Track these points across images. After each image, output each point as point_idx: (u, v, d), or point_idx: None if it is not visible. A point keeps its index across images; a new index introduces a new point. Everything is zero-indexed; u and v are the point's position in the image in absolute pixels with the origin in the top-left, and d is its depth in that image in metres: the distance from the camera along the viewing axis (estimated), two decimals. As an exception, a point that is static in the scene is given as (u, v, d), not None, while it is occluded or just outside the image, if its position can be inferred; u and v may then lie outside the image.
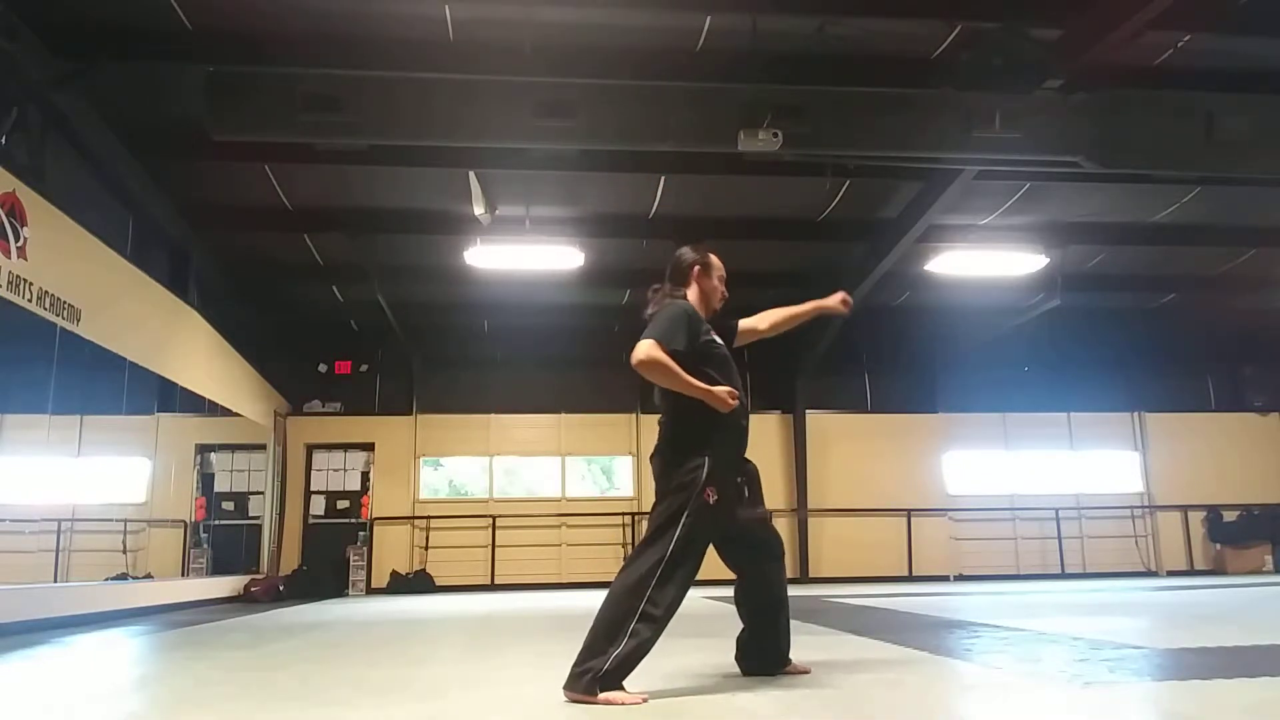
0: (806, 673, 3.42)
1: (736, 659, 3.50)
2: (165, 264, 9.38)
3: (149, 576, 11.64)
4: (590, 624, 3.07)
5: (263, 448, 12.69)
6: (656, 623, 3.05)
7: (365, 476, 13.41)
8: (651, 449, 3.36)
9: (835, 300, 3.81)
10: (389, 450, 13.42)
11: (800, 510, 13.37)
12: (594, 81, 6.66)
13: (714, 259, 3.61)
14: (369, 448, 13.45)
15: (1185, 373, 14.67)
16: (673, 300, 3.43)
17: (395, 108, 6.51)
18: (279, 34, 6.54)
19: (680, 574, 3.10)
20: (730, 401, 3.21)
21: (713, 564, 3.20)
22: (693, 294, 3.52)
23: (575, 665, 3.01)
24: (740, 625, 3.50)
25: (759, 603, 3.44)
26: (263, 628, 6.70)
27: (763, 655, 3.46)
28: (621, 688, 2.96)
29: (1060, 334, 13.42)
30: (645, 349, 3.17)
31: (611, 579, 3.18)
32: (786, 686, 3.18)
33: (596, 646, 3.00)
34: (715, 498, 3.15)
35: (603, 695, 2.92)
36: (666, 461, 3.26)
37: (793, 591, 3.62)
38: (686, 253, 3.59)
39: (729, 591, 3.52)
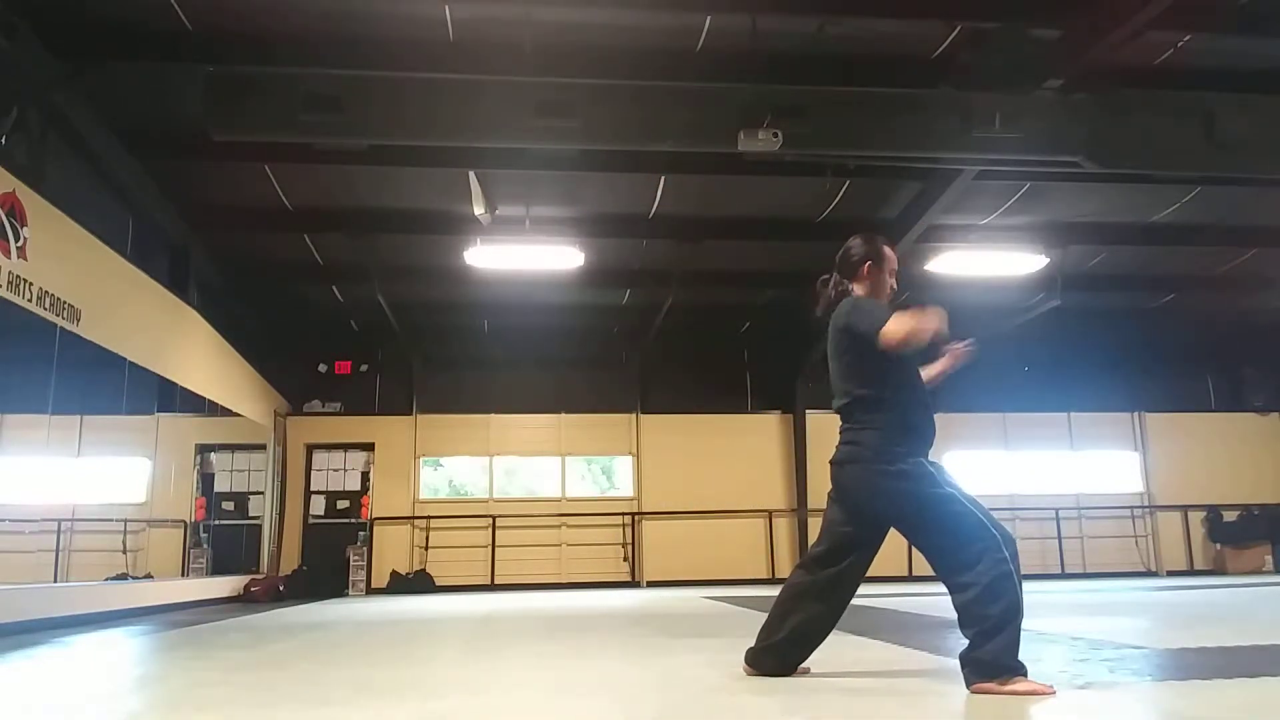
0: (805, 672, 3.41)
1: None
2: (165, 264, 9.37)
3: (149, 576, 11.65)
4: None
5: (263, 448, 12.70)
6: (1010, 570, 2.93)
7: (365, 476, 13.41)
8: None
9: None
10: (389, 450, 13.42)
11: (800, 510, 13.37)
12: (594, 81, 6.66)
13: (887, 251, 3.45)
14: (369, 448, 13.45)
15: (1185, 373, 14.67)
16: (853, 299, 3.34)
17: (396, 108, 6.51)
18: (279, 34, 6.53)
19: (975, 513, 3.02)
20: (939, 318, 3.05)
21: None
22: (861, 289, 3.40)
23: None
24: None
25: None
26: (263, 628, 6.70)
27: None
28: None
29: (1060, 334, 13.42)
30: (892, 330, 3.01)
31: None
32: (786, 687, 3.18)
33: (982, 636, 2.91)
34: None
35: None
36: (879, 470, 3.16)
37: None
38: (856, 245, 3.45)
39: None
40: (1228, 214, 10.07)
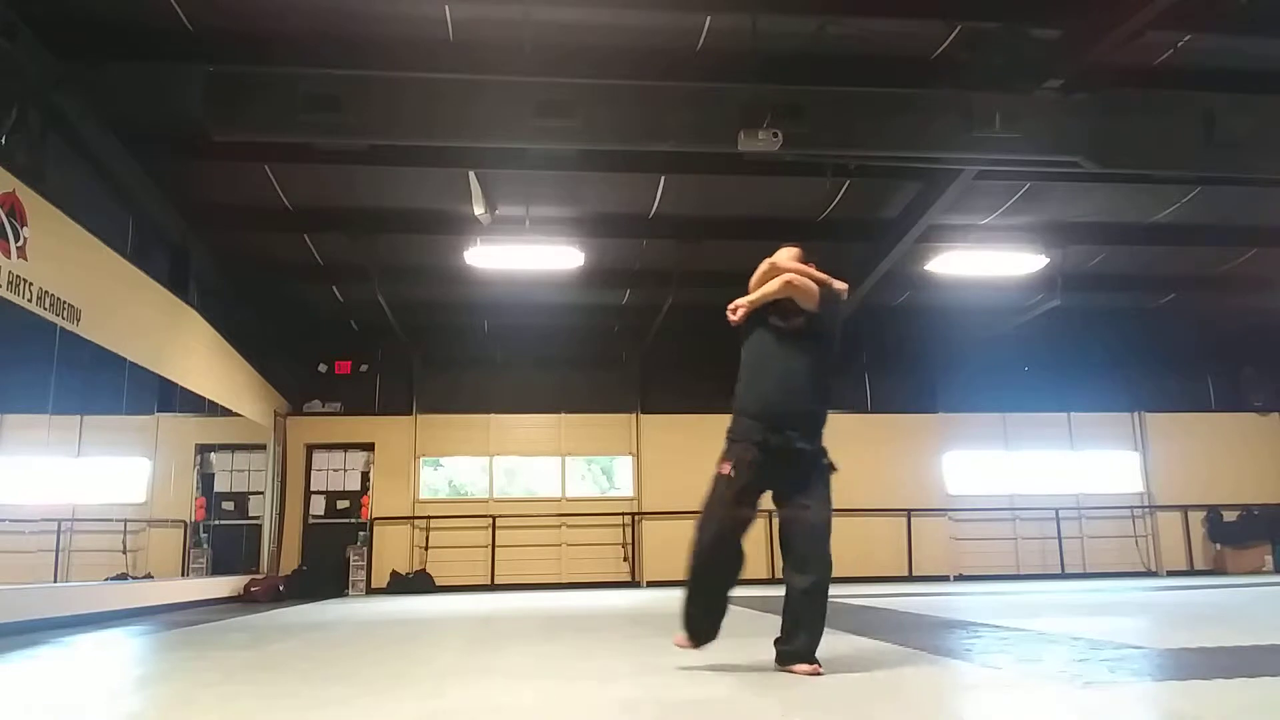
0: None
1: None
2: (165, 264, 9.36)
3: (149, 576, 11.64)
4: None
5: (263, 448, 12.69)
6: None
7: (365, 476, 13.40)
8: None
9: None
10: (389, 450, 13.41)
11: (800, 510, 13.34)
12: (594, 81, 6.67)
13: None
14: (369, 448, 13.44)
15: (1185, 373, 14.66)
16: None
17: (396, 108, 6.52)
18: (279, 34, 6.53)
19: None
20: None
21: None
22: None
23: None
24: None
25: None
26: (263, 628, 6.70)
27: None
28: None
29: (1060, 334, 13.41)
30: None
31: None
32: (787, 686, 3.18)
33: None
34: (728, 472, 3.50)
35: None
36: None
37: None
38: None
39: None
40: (1228, 214, 10.07)
